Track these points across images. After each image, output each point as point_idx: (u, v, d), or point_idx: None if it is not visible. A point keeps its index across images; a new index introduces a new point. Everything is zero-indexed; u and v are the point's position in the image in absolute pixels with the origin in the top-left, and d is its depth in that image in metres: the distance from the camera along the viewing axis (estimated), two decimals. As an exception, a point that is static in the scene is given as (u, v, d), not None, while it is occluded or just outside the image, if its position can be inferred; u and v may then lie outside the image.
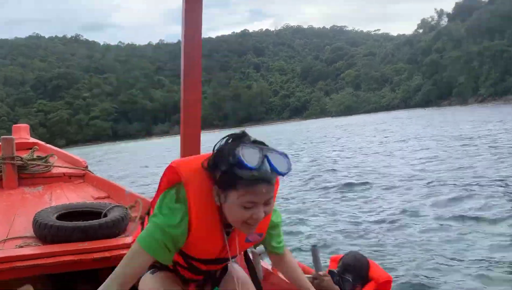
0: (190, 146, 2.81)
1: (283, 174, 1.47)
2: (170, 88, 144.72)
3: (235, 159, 1.40)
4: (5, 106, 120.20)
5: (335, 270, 2.70)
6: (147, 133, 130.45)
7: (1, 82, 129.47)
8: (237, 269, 1.87)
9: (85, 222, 2.76)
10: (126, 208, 3.36)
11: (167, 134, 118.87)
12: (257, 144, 1.49)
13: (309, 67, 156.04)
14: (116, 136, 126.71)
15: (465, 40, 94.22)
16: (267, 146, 1.51)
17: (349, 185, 10.70)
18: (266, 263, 2.35)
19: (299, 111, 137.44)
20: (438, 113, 53.16)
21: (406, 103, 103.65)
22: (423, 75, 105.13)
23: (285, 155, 1.49)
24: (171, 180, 1.61)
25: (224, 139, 1.54)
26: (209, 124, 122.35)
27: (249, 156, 1.40)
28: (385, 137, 24.93)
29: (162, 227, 1.52)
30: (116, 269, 1.54)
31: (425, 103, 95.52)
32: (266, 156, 1.43)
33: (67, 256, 2.49)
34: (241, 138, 1.51)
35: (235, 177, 1.43)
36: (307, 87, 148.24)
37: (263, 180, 1.43)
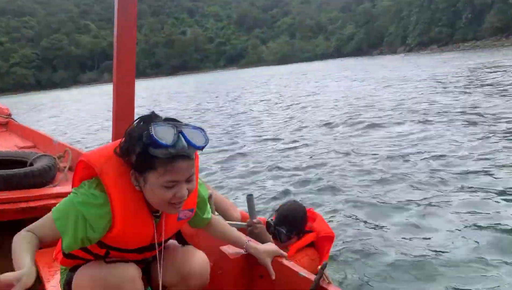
0: (123, 94, 2.62)
1: (201, 148, 1.42)
2: (97, 33, 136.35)
3: (149, 138, 1.34)
4: None
5: (271, 221, 2.74)
6: (74, 82, 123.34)
7: None
8: (174, 243, 1.83)
9: (7, 170, 2.58)
10: (55, 158, 3.21)
11: (97, 82, 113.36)
12: (169, 121, 1.43)
13: (245, 14, 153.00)
14: (40, 85, 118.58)
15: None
16: (181, 122, 1.46)
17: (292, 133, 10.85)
18: None
19: (235, 60, 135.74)
20: (369, 62, 54.78)
21: (339, 52, 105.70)
22: (356, 24, 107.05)
23: (201, 129, 1.46)
24: (84, 176, 1.50)
25: (135, 122, 1.46)
26: (141, 72, 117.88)
27: (163, 133, 1.35)
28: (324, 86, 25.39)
29: (80, 206, 1.42)
30: (30, 229, 1.45)
31: (357, 52, 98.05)
32: (181, 132, 1.38)
33: None
34: (152, 119, 1.43)
35: (151, 157, 1.36)
36: (243, 34, 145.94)
37: (181, 156, 1.38)
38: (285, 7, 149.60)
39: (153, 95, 35.13)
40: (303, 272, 1.62)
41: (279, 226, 2.72)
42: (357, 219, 4.71)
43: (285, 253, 1.92)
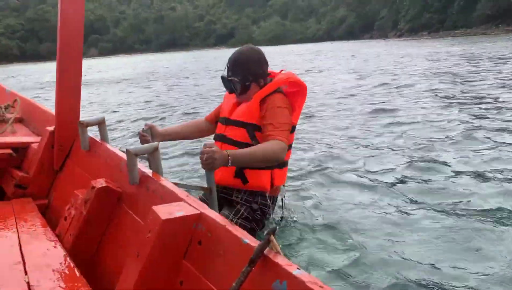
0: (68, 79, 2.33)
1: None
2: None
3: None
4: None
5: (224, 75, 2.37)
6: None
7: None
8: None
9: None
10: (1, 107, 2.92)
11: (84, 56, 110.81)
12: None
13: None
14: (24, 56, 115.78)
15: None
16: None
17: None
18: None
19: (225, 39, 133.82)
20: (359, 46, 54.15)
21: (329, 35, 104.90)
22: (348, 7, 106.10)
23: None
24: None
25: None
26: (129, 47, 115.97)
27: None
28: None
29: None
30: None
31: (348, 36, 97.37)
32: None
33: None
34: None
35: None
36: (234, 13, 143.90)
37: None
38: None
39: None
40: (247, 239, 1.27)
41: (231, 77, 2.32)
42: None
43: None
